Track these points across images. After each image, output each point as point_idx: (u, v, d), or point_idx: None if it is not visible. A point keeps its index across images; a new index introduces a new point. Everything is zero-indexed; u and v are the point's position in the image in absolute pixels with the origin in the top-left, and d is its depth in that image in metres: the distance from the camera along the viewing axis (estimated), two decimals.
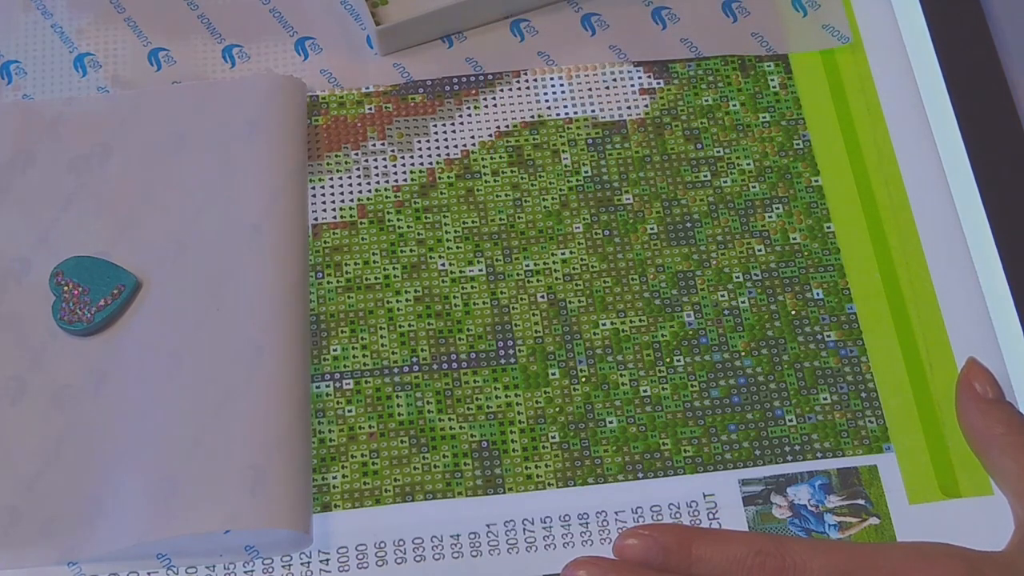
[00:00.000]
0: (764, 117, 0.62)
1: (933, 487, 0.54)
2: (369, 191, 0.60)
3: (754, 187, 0.60)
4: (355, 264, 0.58)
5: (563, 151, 0.61)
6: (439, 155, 0.61)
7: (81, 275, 0.56)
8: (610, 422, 0.55)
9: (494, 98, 0.62)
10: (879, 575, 0.43)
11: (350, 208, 0.60)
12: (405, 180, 0.60)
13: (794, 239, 0.59)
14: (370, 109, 0.62)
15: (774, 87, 0.63)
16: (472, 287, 0.58)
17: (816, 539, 0.51)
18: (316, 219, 0.59)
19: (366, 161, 0.61)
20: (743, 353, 0.56)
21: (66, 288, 0.56)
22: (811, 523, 0.53)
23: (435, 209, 0.60)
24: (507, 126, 0.62)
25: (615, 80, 0.63)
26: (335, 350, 0.56)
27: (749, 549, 0.43)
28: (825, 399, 0.55)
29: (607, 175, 0.61)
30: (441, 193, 0.60)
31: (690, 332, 0.57)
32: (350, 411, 0.55)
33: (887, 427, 0.55)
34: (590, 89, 0.63)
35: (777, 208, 0.60)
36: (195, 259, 0.57)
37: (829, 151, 0.61)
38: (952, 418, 0.54)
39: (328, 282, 0.58)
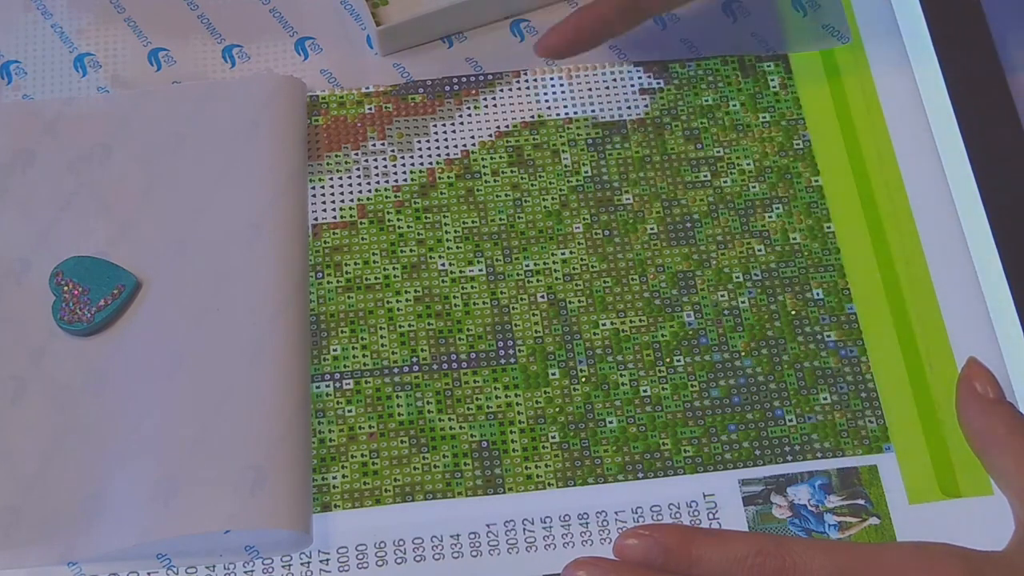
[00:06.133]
0: (764, 117, 0.62)
1: (933, 487, 0.53)
2: (369, 191, 0.60)
3: (754, 187, 0.60)
4: (355, 264, 0.58)
5: (563, 151, 0.61)
6: (439, 155, 0.61)
7: (81, 275, 0.56)
8: (610, 422, 0.55)
9: (494, 98, 0.62)
10: (879, 575, 0.43)
11: (350, 208, 0.60)
12: (405, 180, 0.60)
13: (794, 239, 0.59)
14: (370, 109, 0.62)
15: (774, 87, 0.63)
16: (472, 287, 0.58)
17: (816, 539, 0.51)
18: (316, 219, 0.59)
19: (366, 161, 0.61)
20: (743, 353, 0.56)
21: (66, 288, 0.56)
22: (811, 523, 0.53)
23: (435, 209, 0.60)
24: (507, 126, 0.62)
25: (615, 80, 0.63)
26: (335, 350, 0.56)
27: (749, 549, 0.43)
28: (825, 399, 0.55)
29: (607, 175, 0.61)
30: (441, 193, 0.60)
31: (690, 332, 0.57)
32: (350, 411, 0.55)
33: (887, 427, 0.55)
34: (590, 89, 0.63)
35: (777, 208, 0.60)
36: (195, 259, 0.57)
37: (829, 151, 0.61)
38: (952, 418, 0.53)
39: (328, 282, 0.58)
